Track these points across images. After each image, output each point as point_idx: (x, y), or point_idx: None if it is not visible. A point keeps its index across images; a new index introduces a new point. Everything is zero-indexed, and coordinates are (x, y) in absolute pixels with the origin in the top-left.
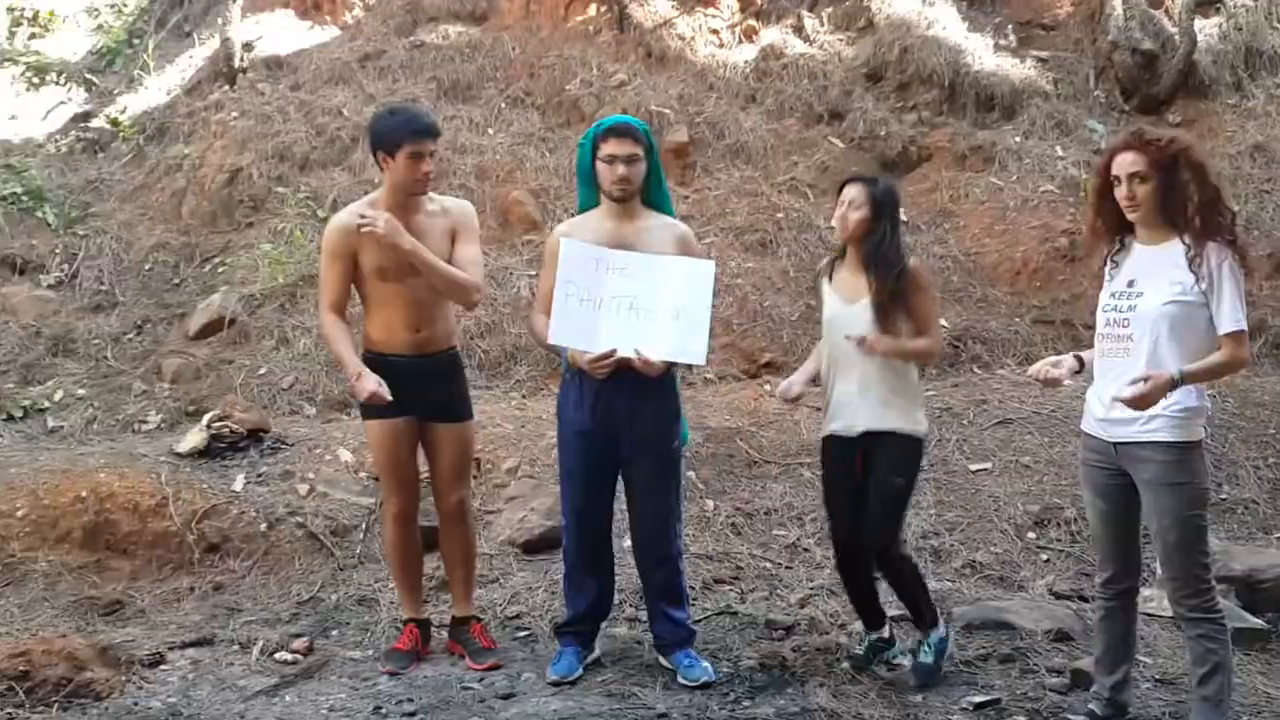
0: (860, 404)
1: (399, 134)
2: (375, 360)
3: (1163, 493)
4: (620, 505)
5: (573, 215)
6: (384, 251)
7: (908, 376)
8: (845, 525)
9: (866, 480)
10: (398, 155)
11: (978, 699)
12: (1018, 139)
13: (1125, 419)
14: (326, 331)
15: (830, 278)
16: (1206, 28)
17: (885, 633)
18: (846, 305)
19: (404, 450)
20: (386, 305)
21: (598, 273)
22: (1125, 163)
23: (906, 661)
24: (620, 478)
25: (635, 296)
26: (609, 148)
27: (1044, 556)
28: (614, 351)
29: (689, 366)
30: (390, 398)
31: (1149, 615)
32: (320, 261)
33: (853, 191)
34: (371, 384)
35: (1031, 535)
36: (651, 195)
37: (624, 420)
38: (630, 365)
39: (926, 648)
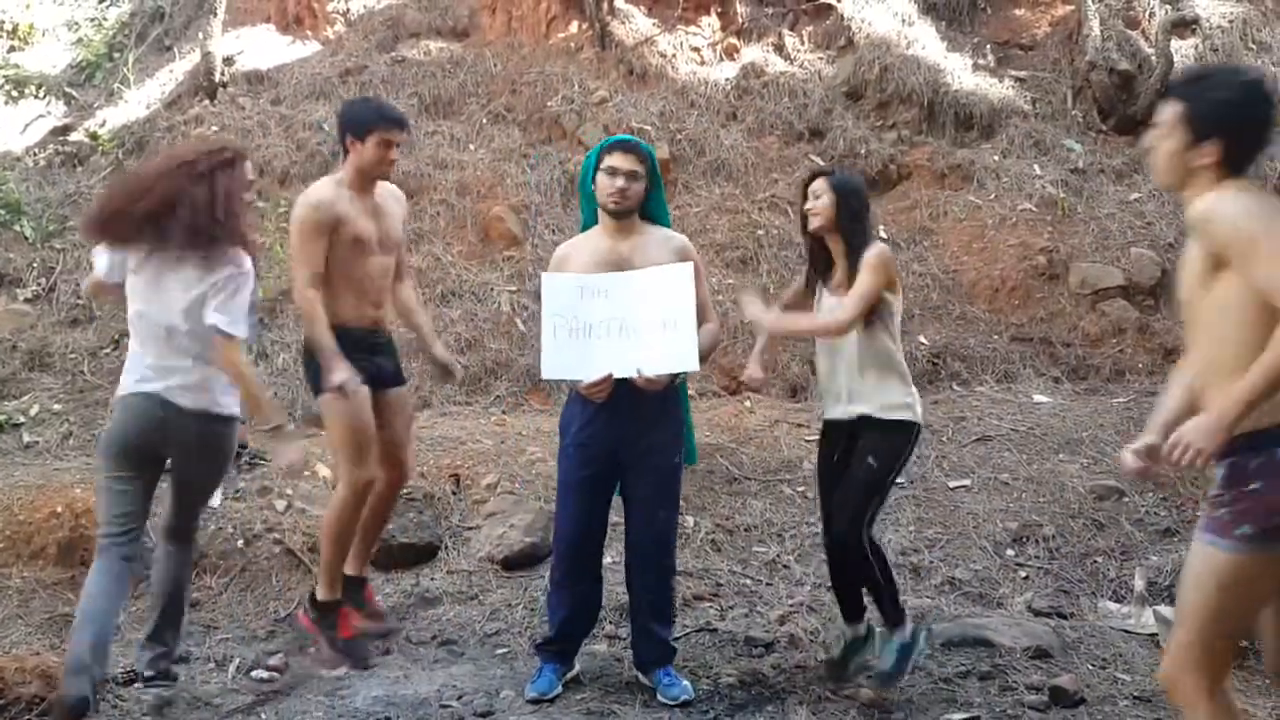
0: (847, 389)
1: (371, 120)
2: (344, 334)
3: None
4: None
5: (553, 231)
6: (368, 222)
7: (891, 363)
8: (827, 509)
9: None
10: (367, 140)
11: (957, 716)
12: (996, 158)
13: None
14: (313, 310)
15: (825, 282)
16: (1183, 48)
17: (862, 629)
18: (835, 297)
19: (372, 419)
20: (357, 279)
21: (582, 301)
22: None
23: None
24: (620, 493)
25: (622, 317)
26: (611, 160)
27: (1023, 573)
28: (610, 375)
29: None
30: (361, 387)
31: (1126, 632)
32: (295, 237)
33: (815, 183)
34: (345, 374)
35: (1010, 552)
36: (651, 210)
37: (627, 435)
38: (631, 383)
39: (889, 650)
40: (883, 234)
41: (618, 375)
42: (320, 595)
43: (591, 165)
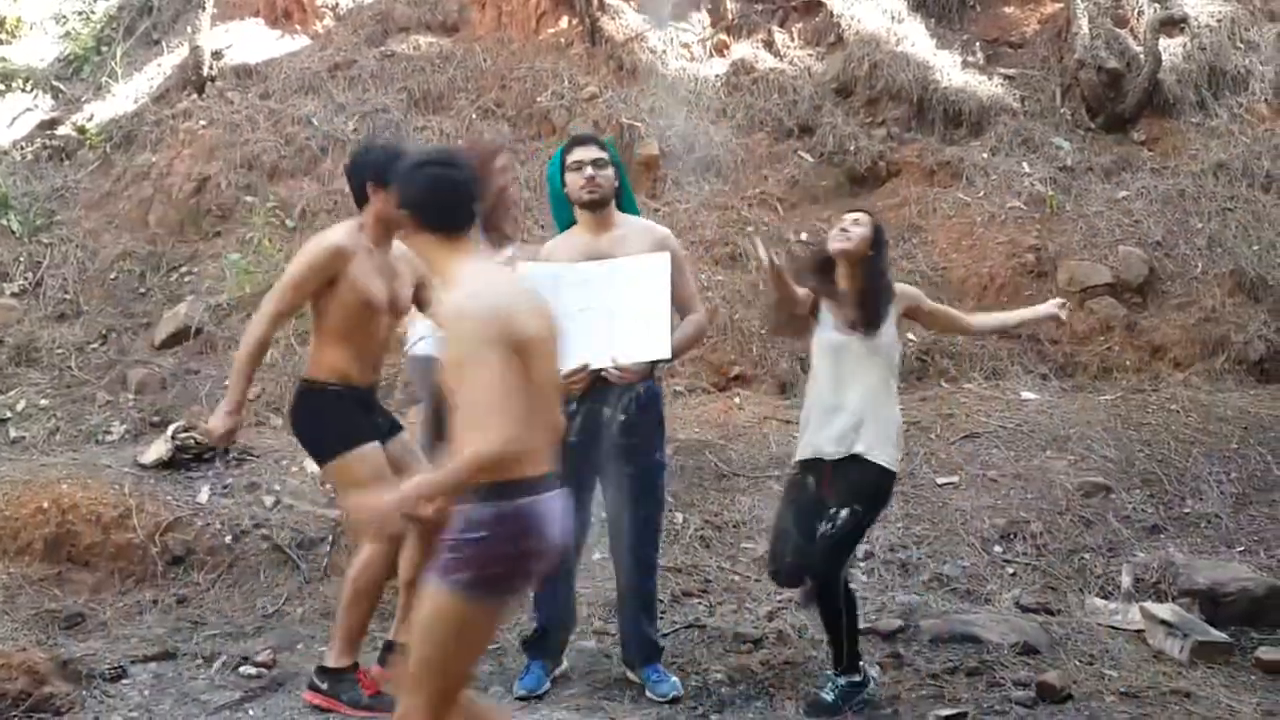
0: (848, 424)
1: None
2: (344, 393)
3: None
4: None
5: (542, 227)
6: (380, 282)
7: (896, 407)
8: (790, 550)
9: (822, 504)
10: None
11: (945, 712)
12: (985, 155)
13: None
14: (260, 340)
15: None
16: (1171, 47)
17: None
18: (843, 332)
19: (389, 475)
20: (362, 339)
21: (559, 290)
22: None
23: (875, 672)
24: (602, 491)
25: (598, 306)
26: (574, 155)
27: (1010, 570)
28: (586, 366)
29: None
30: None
31: (1113, 628)
32: (294, 270)
33: (857, 214)
34: (226, 426)
35: (998, 549)
36: (623, 206)
37: (607, 430)
38: (608, 378)
39: (833, 686)
40: None
41: (593, 367)
42: (332, 662)
43: (557, 169)
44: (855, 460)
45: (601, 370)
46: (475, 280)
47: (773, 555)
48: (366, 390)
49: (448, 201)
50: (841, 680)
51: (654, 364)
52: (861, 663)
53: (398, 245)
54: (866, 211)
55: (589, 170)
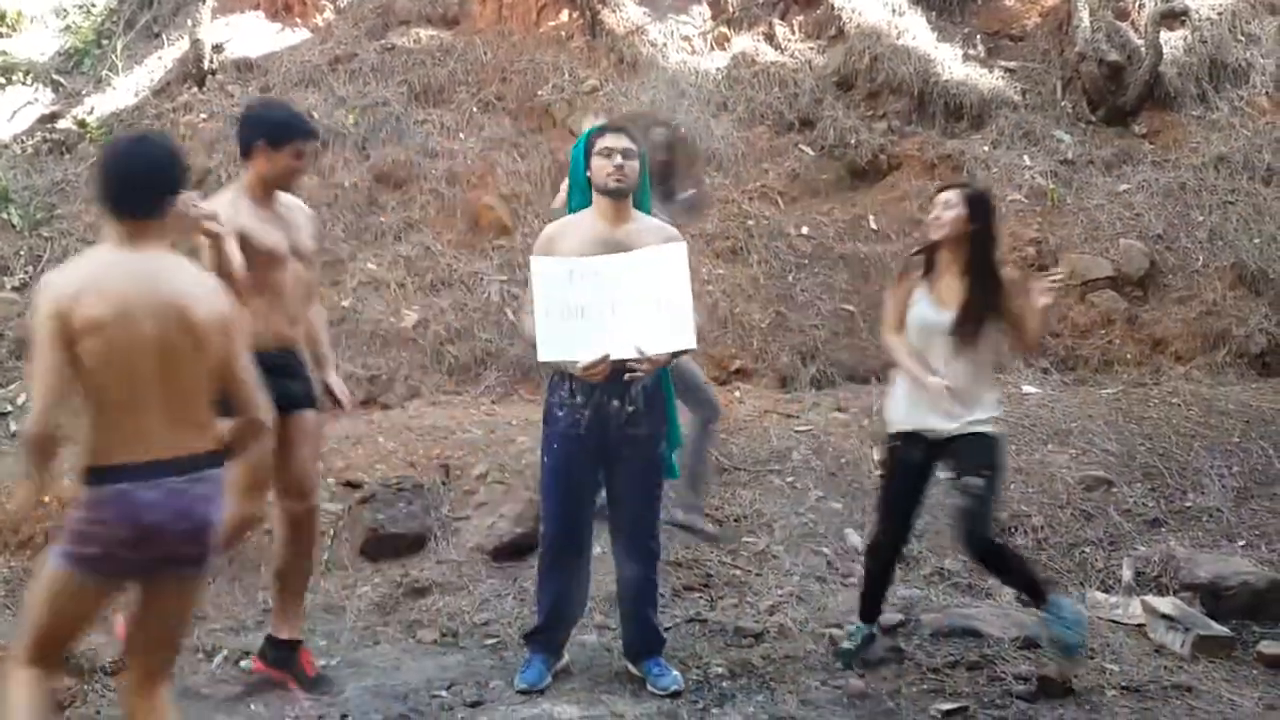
0: (957, 402)
1: (290, 129)
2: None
3: None
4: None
5: (543, 220)
6: (277, 232)
7: (989, 376)
8: (897, 521)
9: (924, 488)
10: (283, 149)
11: (946, 706)
12: (986, 148)
13: None
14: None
15: (927, 279)
16: (1172, 40)
17: (875, 628)
18: (937, 312)
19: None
20: (268, 293)
21: (573, 283)
22: None
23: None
24: (605, 484)
25: (615, 298)
26: (605, 141)
27: None
28: (607, 356)
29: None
30: None
31: (1114, 622)
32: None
33: (948, 194)
34: None
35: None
36: (641, 202)
37: (613, 426)
38: (623, 367)
39: (1052, 621)
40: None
41: (615, 356)
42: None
43: (582, 153)
44: (967, 435)
45: (625, 361)
46: (66, 267)
47: (884, 530)
48: (273, 354)
49: (112, 185)
50: (1047, 614)
51: (678, 354)
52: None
53: (286, 198)
54: (959, 185)
55: (619, 159)
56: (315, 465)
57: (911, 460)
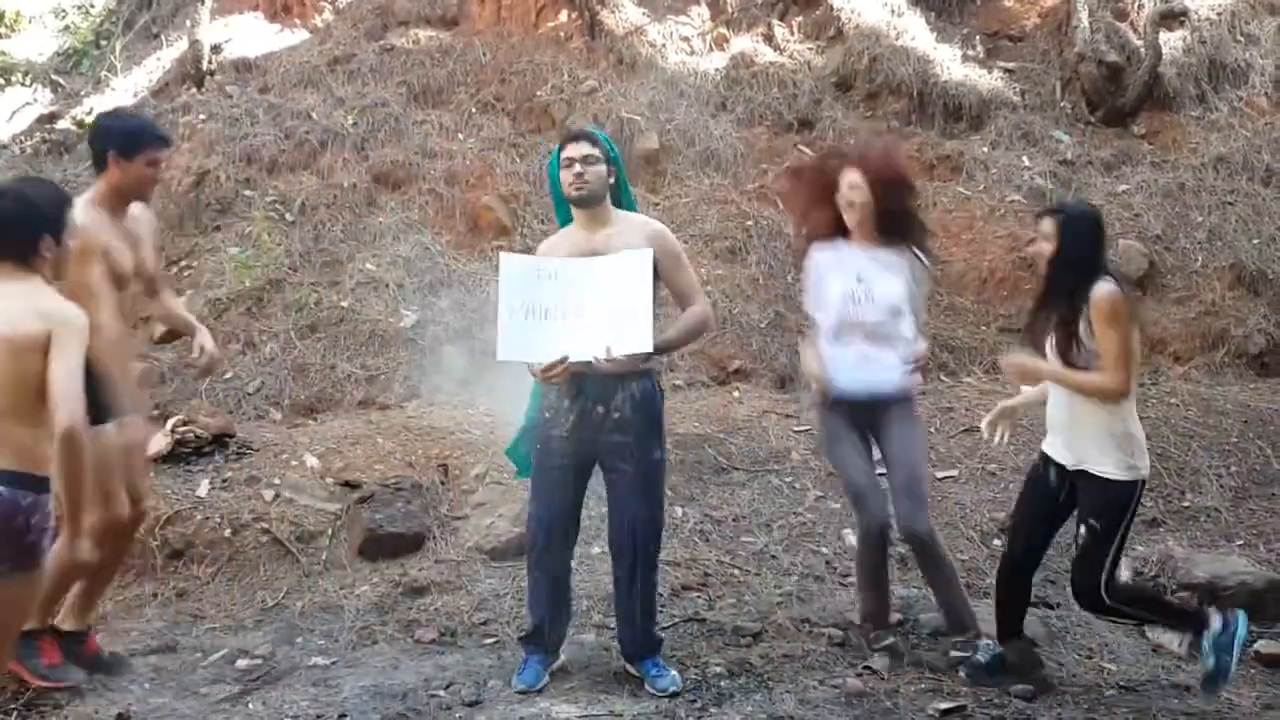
0: (1065, 436)
1: (143, 138)
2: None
3: None
4: (588, 511)
5: (542, 221)
6: (126, 251)
7: (1116, 414)
8: (1021, 541)
9: (1059, 512)
10: (136, 158)
11: (944, 705)
12: (985, 149)
13: None
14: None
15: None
16: (1171, 40)
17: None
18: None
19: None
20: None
21: (538, 283)
22: None
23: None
24: (603, 481)
25: (577, 301)
26: (566, 152)
27: None
28: (565, 359)
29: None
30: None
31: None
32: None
33: (1045, 218)
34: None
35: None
36: (621, 203)
37: (603, 428)
38: (590, 369)
39: (1202, 652)
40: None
41: (574, 359)
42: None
43: (555, 166)
44: (1082, 474)
45: (583, 363)
46: None
47: (1013, 538)
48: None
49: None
50: (1205, 641)
51: (646, 357)
52: (1205, 610)
53: (134, 209)
54: (1055, 210)
55: (577, 167)
56: (130, 474)
57: (1047, 477)
